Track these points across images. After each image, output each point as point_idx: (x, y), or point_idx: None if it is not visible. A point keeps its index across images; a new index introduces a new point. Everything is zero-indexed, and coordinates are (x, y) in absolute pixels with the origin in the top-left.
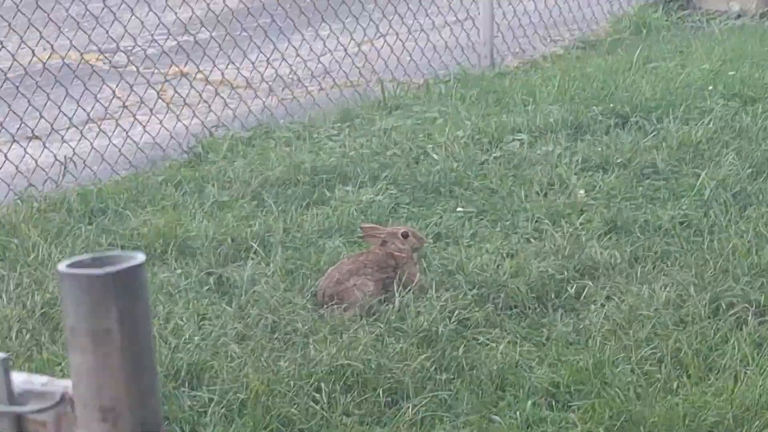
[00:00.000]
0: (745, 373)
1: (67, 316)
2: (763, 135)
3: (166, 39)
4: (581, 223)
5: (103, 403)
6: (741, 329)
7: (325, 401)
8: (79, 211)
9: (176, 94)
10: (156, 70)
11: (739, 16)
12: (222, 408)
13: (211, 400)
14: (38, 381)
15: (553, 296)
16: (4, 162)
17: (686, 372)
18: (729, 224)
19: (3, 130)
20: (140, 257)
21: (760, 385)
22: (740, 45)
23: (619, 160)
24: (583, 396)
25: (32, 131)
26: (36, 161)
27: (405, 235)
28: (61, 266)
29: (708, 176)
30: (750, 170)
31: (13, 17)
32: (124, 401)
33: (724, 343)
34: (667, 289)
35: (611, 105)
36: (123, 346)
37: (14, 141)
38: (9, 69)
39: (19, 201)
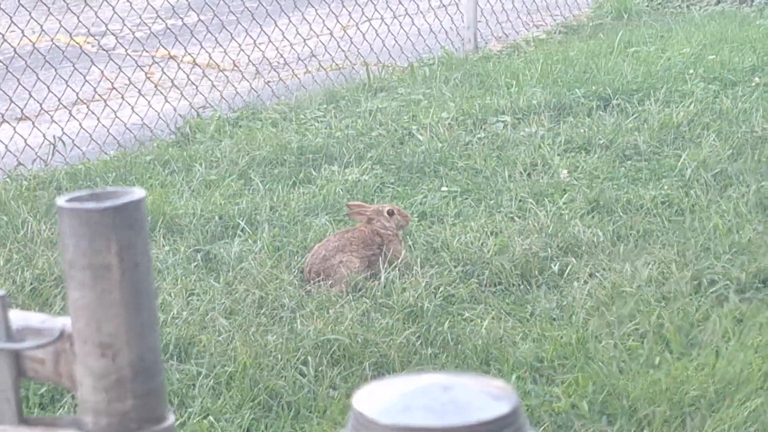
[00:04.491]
0: (726, 348)
1: (65, 251)
2: (743, 117)
3: (154, 21)
4: (564, 203)
5: (102, 339)
6: (722, 306)
7: (312, 374)
8: (68, 189)
9: (164, 76)
10: (144, 53)
11: (718, 2)
12: (210, 381)
13: (199, 373)
14: (36, 319)
15: (536, 273)
16: None
17: (668, 347)
18: (710, 204)
19: None
20: (140, 192)
21: (741, 360)
22: (720, 30)
23: (601, 141)
24: (567, 370)
25: (22, 111)
26: (25, 141)
27: (390, 213)
28: (61, 201)
29: (689, 157)
30: (730, 151)
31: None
32: (123, 337)
33: (706, 320)
34: (650, 266)
35: (593, 88)
36: (122, 282)
37: (4, 121)
38: None
39: (8, 179)
